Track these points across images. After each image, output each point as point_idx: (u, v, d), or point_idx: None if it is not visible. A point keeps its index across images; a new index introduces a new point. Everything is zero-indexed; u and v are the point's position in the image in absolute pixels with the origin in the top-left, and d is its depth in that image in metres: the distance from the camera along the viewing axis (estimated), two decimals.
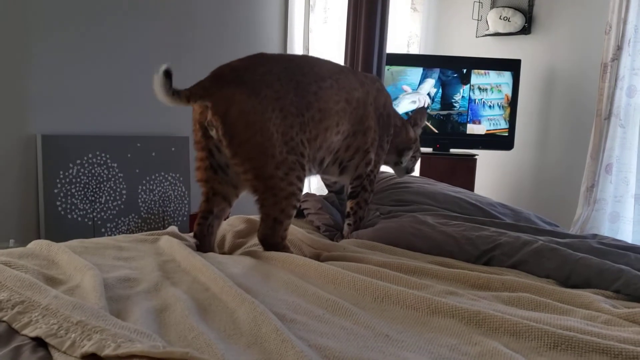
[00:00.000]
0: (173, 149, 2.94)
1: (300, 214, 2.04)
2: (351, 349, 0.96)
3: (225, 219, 1.80)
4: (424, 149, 3.43)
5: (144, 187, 2.84)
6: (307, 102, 1.58)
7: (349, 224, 1.87)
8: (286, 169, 1.51)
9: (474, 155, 3.44)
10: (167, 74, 1.38)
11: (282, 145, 1.51)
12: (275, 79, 1.52)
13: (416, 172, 3.40)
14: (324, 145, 1.66)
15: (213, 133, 1.49)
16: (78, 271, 1.23)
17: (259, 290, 1.22)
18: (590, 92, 3.31)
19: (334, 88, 1.66)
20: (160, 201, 2.90)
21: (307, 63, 1.66)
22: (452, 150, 3.49)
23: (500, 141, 3.48)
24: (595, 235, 1.70)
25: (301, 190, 1.59)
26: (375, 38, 2.37)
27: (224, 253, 1.66)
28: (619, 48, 3.10)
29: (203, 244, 1.60)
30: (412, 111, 1.98)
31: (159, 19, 2.94)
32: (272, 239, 1.54)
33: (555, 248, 1.44)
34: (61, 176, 2.58)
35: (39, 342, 0.92)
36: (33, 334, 0.92)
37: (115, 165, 2.75)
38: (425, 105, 3.15)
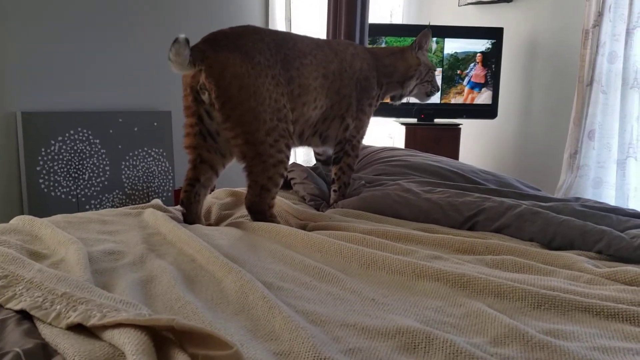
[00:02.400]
0: (155, 123, 2.91)
1: (287, 185, 2.04)
2: (338, 313, 0.97)
3: (210, 191, 1.79)
4: (409, 120, 3.45)
5: (127, 163, 2.81)
6: (290, 76, 1.60)
7: (334, 190, 1.89)
8: (276, 136, 1.52)
9: (458, 124, 3.45)
10: (187, 42, 1.38)
11: (274, 112, 1.52)
12: (266, 48, 1.54)
13: (401, 143, 3.42)
14: (300, 120, 1.67)
15: (205, 97, 1.49)
16: (62, 245, 1.22)
17: (245, 260, 1.22)
18: (573, 59, 3.31)
19: (313, 64, 1.68)
20: (144, 177, 2.88)
21: (291, 38, 1.68)
22: (437, 120, 3.49)
23: (484, 110, 3.49)
24: (578, 199, 1.72)
25: (289, 159, 1.60)
26: (357, 8, 2.35)
27: (210, 224, 1.66)
28: (599, 14, 3.09)
29: (190, 212, 1.60)
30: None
31: None
32: (259, 206, 1.55)
33: (538, 211, 1.45)
34: (43, 153, 2.54)
35: (24, 315, 0.91)
36: (17, 307, 0.92)
37: (98, 141, 2.71)
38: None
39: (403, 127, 3.41)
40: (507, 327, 0.90)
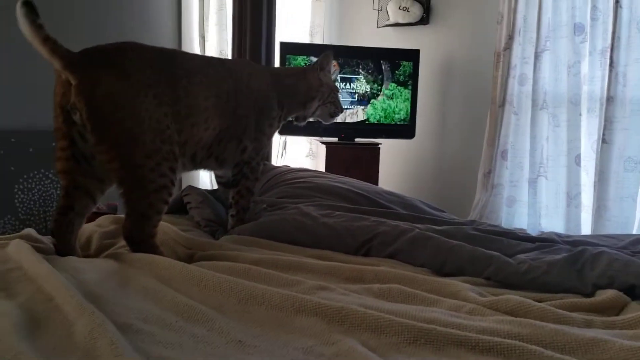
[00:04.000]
0: (54, 144, 2.71)
1: (183, 210, 1.93)
2: (193, 359, 0.88)
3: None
4: (329, 139, 3.42)
5: (21, 187, 2.61)
6: (176, 96, 1.49)
7: (232, 215, 1.79)
8: (159, 159, 1.41)
9: (378, 144, 3.45)
10: (27, 4, 1.30)
11: (156, 134, 1.41)
12: (147, 66, 1.44)
13: (321, 164, 3.37)
14: (190, 141, 1.57)
15: (76, 117, 1.37)
16: None
17: (109, 299, 1.10)
18: (486, 80, 3.38)
19: (204, 84, 1.58)
20: (41, 201, 2.68)
21: (178, 56, 1.59)
22: (357, 140, 3.48)
23: (402, 130, 3.51)
24: (473, 222, 1.71)
25: (173, 184, 1.48)
26: (263, 28, 2.30)
27: (89, 256, 1.53)
28: (510, 37, 3.17)
29: (62, 243, 1.45)
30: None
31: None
32: (139, 236, 1.42)
33: (430, 236, 1.42)
34: None
35: None
36: None
37: None
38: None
39: (324, 147, 3.38)
40: None
